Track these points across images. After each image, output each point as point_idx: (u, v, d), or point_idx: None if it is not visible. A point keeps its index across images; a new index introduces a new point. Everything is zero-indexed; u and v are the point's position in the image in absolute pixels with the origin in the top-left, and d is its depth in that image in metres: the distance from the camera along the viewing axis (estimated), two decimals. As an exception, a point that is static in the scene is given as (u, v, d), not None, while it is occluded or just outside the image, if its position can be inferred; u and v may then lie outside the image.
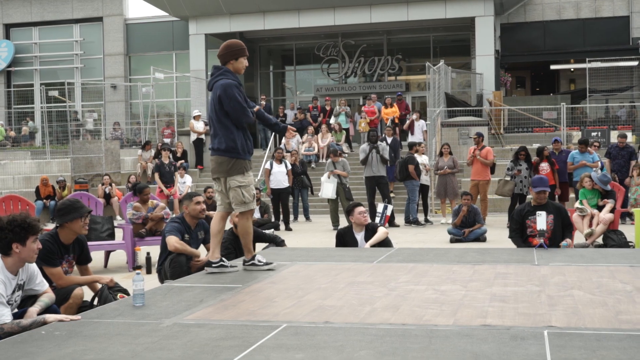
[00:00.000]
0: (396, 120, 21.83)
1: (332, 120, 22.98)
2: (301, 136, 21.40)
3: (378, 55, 29.06)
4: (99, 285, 5.84)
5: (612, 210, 11.00)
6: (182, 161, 20.65)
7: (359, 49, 29.04)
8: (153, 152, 21.39)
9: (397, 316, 4.37)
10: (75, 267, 6.08)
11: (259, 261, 6.28)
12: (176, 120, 26.84)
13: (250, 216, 6.29)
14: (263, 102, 24.06)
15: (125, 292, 5.83)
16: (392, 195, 17.13)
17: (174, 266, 7.10)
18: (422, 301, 4.81)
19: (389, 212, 14.28)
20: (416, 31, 28.43)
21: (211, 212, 14.48)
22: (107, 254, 10.91)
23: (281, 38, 29.51)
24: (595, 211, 10.96)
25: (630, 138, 19.00)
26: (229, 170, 6.10)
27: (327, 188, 15.30)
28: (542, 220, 7.69)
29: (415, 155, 15.76)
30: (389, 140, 17.80)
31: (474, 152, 15.22)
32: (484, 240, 12.54)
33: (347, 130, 22.98)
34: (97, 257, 9.14)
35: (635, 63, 26.28)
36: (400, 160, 15.80)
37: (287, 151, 17.62)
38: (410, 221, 15.43)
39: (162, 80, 26.78)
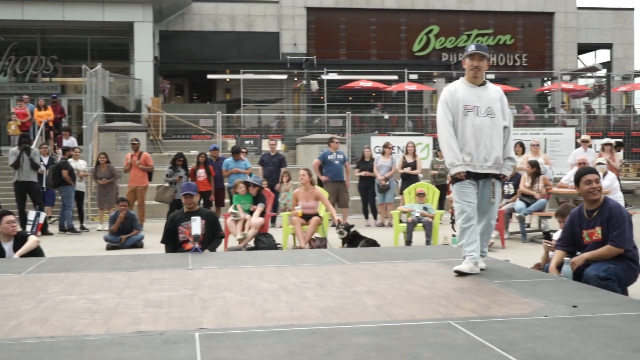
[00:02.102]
0: (50, 124, 20.81)
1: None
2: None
3: (31, 55, 27.62)
4: None
5: (263, 214, 11.66)
6: None
7: (9, 46, 27.33)
8: None
9: (45, 329, 4.19)
10: None
11: None
12: None
13: None
14: None
15: None
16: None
17: None
18: (73, 311, 4.66)
19: (41, 220, 13.52)
20: (73, 32, 27.54)
21: None
22: None
23: None
24: (248, 215, 11.52)
25: (280, 146, 20.27)
26: None
27: (-29, 195, 14.11)
28: (196, 226, 7.91)
29: (71, 160, 15.20)
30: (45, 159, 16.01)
31: (131, 159, 15.10)
32: (142, 246, 12.50)
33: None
34: None
35: (284, 77, 28.22)
36: (54, 166, 15.11)
37: None
38: (65, 229, 14.85)
39: None
